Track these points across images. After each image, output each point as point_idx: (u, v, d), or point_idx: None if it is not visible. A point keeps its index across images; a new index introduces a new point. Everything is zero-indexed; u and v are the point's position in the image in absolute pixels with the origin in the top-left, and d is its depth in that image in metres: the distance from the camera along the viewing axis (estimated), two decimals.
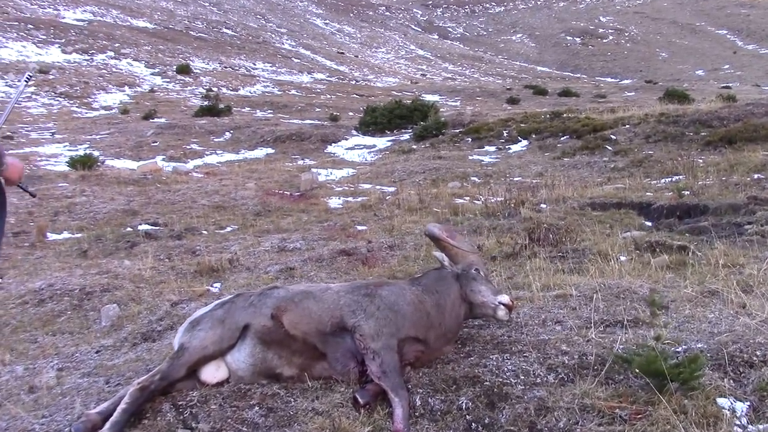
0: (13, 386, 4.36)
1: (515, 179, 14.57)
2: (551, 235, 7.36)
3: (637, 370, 2.93)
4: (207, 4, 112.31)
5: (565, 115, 23.69)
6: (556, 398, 2.99)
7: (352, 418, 3.00)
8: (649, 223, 8.77)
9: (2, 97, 39.88)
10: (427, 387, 3.19)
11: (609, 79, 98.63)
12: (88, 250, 9.12)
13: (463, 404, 3.04)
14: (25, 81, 4.16)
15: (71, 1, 79.52)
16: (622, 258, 6.10)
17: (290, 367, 3.34)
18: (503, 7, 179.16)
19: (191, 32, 78.54)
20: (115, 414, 3.03)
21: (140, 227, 10.30)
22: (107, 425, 2.99)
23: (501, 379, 3.19)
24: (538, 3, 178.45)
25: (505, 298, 3.60)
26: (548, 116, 23.70)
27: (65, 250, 9.26)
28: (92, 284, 6.89)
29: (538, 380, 3.19)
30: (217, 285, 7.05)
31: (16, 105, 4.40)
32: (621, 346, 3.46)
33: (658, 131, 17.55)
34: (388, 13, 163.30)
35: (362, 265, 7.08)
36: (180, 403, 3.20)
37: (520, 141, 20.61)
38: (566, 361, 3.32)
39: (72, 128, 30.32)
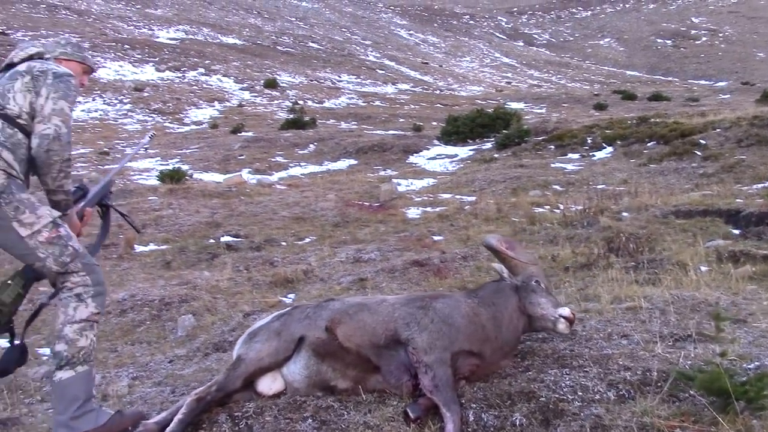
0: None
1: (598, 187, 14.21)
2: (630, 245, 7.14)
3: (700, 388, 2.79)
4: (294, 19, 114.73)
5: (652, 120, 22.97)
6: (614, 416, 2.88)
7: None
8: (736, 232, 8.39)
9: (100, 115, 41.80)
10: (481, 402, 3.12)
11: (702, 82, 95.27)
12: (171, 262, 9.43)
13: (517, 420, 2.96)
14: (148, 139, 4.32)
15: (165, 22, 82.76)
16: (703, 268, 5.85)
17: (344, 379, 3.34)
18: (590, 12, 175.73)
19: (278, 47, 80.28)
20: (172, 424, 3.10)
21: (222, 239, 10.56)
22: None
23: (558, 395, 3.09)
24: (626, 6, 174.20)
25: (565, 311, 3.49)
26: (634, 122, 23.05)
27: (150, 262, 9.59)
28: (171, 295, 7.11)
29: (597, 397, 3.08)
30: (291, 296, 7.16)
31: (133, 153, 4.69)
32: (687, 362, 3.31)
33: (751, 135, 16.80)
34: (472, 22, 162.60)
35: (434, 276, 7.05)
36: (236, 414, 3.24)
37: (605, 147, 20.10)
38: (628, 377, 3.19)
39: (164, 143, 31.43)
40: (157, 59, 59.06)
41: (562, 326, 3.46)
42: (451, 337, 3.26)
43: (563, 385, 3.17)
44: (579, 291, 5.40)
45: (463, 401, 3.13)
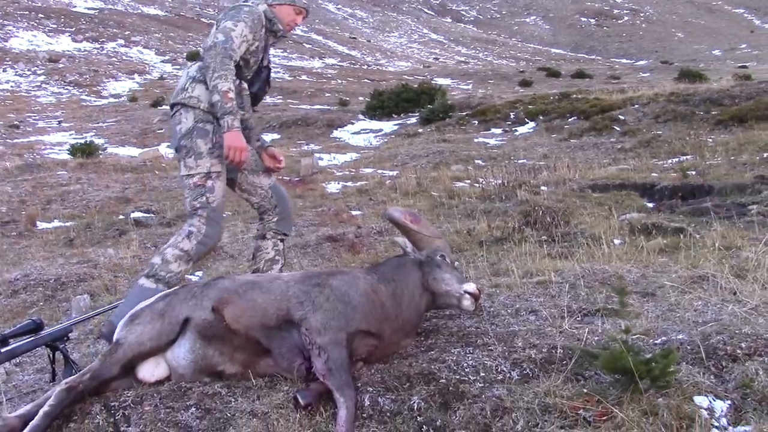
0: None
1: (519, 162, 14.23)
2: (546, 218, 7.07)
3: (603, 367, 2.65)
4: None
5: (573, 96, 23.24)
6: (516, 397, 2.71)
7: (291, 421, 2.73)
8: (650, 205, 8.45)
9: (12, 87, 39.95)
10: (378, 385, 2.91)
11: (624, 61, 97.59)
12: (74, 239, 8.94)
13: (415, 404, 2.76)
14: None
15: None
16: (616, 242, 5.79)
17: (233, 363, 3.07)
18: None
19: (203, 19, 78.48)
20: (36, 417, 2.78)
21: (132, 215, 10.08)
22: (27, 430, 2.75)
23: (459, 376, 2.90)
24: None
25: (471, 287, 3.30)
26: (557, 97, 23.26)
27: (53, 239, 9.08)
28: (69, 274, 6.68)
29: (500, 377, 2.90)
30: (199, 273, 6.82)
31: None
32: (594, 338, 3.18)
33: (667, 111, 17.13)
34: None
35: (347, 251, 6.83)
36: (112, 404, 2.94)
37: (527, 123, 20.26)
38: (533, 356, 3.03)
39: (79, 116, 30.28)
40: (73, 29, 56.96)
41: (467, 303, 3.28)
42: (348, 317, 3.02)
43: (465, 365, 2.99)
44: (491, 266, 5.25)
45: (360, 384, 2.92)
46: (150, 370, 3.11)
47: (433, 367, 2.99)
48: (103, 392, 3.03)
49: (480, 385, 2.85)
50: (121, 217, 10.11)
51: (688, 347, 2.96)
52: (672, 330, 3.21)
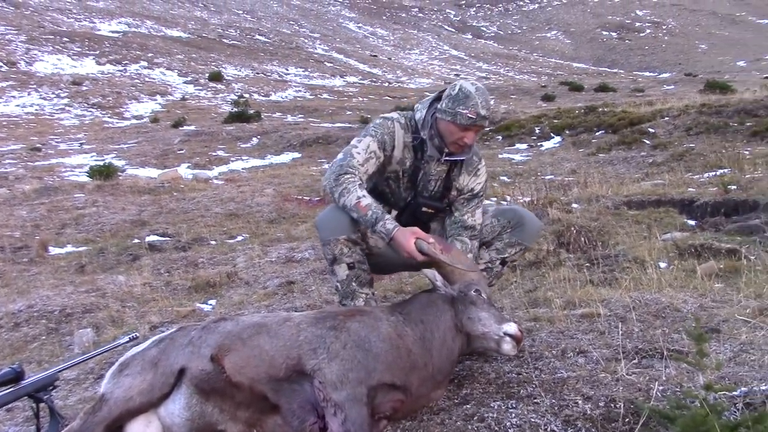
0: None
1: (546, 177, 13.71)
2: (582, 239, 6.58)
3: None
4: (240, 11, 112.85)
5: (600, 109, 22.67)
6: None
7: None
8: (692, 223, 7.90)
9: (36, 110, 40.13)
10: None
11: (647, 74, 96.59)
12: (86, 265, 8.57)
13: None
14: (129, 339, 3.52)
15: (107, 14, 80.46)
16: (662, 265, 5.29)
17: (235, 423, 2.63)
18: (537, 5, 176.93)
19: (224, 40, 78.79)
20: None
21: (147, 239, 9.72)
22: None
23: None
24: None
25: (511, 328, 2.84)
26: (582, 111, 22.71)
27: (64, 266, 8.73)
28: (75, 304, 6.30)
29: None
30: (212, 302, 6.41)
31: None
32: (659, 388, 2.70)
33: (699, 123, 16.52)
34: (420, 15, 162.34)
35: None
36: None
37: (553, 137, 19.72)
38: (588, 411, 2.56)
39: (101, 138, 30.18)
40: (97, 52, 57.28)
41: (507, 347, 2.82)
42: (368, 367, 2.57)
43: (508, 423, 2.54)
44: (527, 293, 4.79)
45: None
46: (140, 430, 2.68)
47: (470, 426, 2.53)
48: None
49: None
50: (136, 241, 9.74)
51: None
52: (751, 377, 2.73)
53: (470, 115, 3.35)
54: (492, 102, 3.80)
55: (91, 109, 41.43)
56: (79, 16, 76.47)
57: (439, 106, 3.49)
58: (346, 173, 3.36)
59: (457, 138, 3.44)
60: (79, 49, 57.23)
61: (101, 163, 18.31)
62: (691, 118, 17.19)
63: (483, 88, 3.47)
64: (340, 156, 3.49)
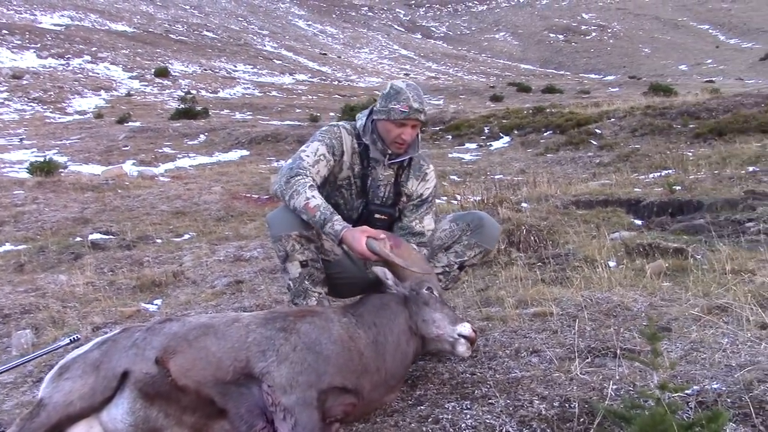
0: None
1: (496, 177, 13.80)
2: (532, 238, 6.61)
3: None
4: (188, 7, 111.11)
5: (548, 110, 22.95)
6: None
7: None
8: (639, 222, 8.02)
9: None
10: None
11: (593, 76, 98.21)
12: (25, 264, 8.29)
13: None
14: (70, 341, 3.32)
15: (49, 7, 78.37)
16: (612, 264, 5.33)
17: (180, 427, 2.52)
18: (486, 6, 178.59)
19: (171, 35, 77.48)
20: None
21: (90, 237, 9.45)
22: None
23: None
24: (521, 1, 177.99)
25: (465, 329, 2.79)
26: (531, 112, 22.96)
27: (1, 265, 8.42)
28: (13, 305, 6.07)
29: None
30: (158, 302, 6.25)
31: None
32: (613, 387, 2.68)
33: (644, 124, 16.87)
34: (370, 14, 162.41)
35: None
36: None
37: (502, 137, 19.90)
38: (543, 411, 2.53)
39: (42, 134, 29.38)
40: (38, 45, 55.82)
41: (462, 348, 2.77)
42: (319, 370, 2.50)
43: (464, 425, 2.49)
44: (479, 292, 4.77)
45: None
46: None
47: (425, 428, 2.47)
48: None
49: None
50: (78, 239, 9.46)
51: (728, 399, 2.48)
52: (702, 376, 2.73)
53: (402, 109, 3.39)
54: (426, 97, 3.74)
55: (32, 104, 40.30)
56: (19, 8, 74.36)
57: (374, 107, 3.53)
58: (297, 174, 3.29)
59: (395, 136, 3.45)
60: (19, 42, 55.68)
61: (42, 159, 17.78)
62: (636, 119, 17.52)
63: (414, 85, 3.51)
64: (289, 161, 3.43)
